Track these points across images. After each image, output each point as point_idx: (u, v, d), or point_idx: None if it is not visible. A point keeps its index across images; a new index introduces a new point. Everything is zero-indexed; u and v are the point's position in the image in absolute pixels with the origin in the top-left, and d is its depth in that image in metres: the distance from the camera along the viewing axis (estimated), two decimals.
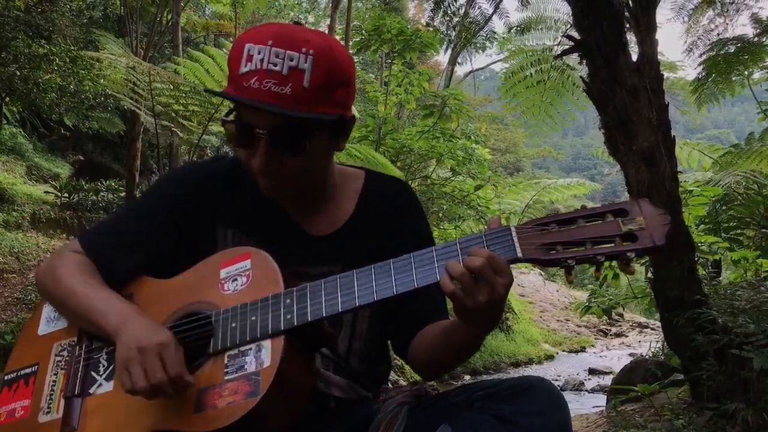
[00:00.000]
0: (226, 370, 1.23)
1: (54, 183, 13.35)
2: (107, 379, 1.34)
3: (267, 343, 1.23)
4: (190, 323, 1.32)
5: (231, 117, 1.37)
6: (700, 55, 8.78)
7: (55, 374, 1.39)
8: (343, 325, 1.48)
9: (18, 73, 9.19)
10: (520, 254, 1.14)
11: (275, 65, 1.26)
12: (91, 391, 1.34)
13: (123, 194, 12.21)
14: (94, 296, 1.39)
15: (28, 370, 1.43)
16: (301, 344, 1.27)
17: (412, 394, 1.45)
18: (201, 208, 1.49)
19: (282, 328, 1.23)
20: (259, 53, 1.27)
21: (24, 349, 1.48)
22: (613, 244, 1.13)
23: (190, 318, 1.33)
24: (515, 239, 1.16)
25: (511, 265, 1.18)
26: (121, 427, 1.26)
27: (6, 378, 1.44)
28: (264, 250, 1.36)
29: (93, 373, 1.36)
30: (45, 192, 12.45)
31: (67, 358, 1.40)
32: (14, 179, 12.39)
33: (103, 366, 1.36)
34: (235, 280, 1.33)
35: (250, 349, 1.24)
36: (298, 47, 1.27)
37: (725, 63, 8.47)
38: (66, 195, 12.33)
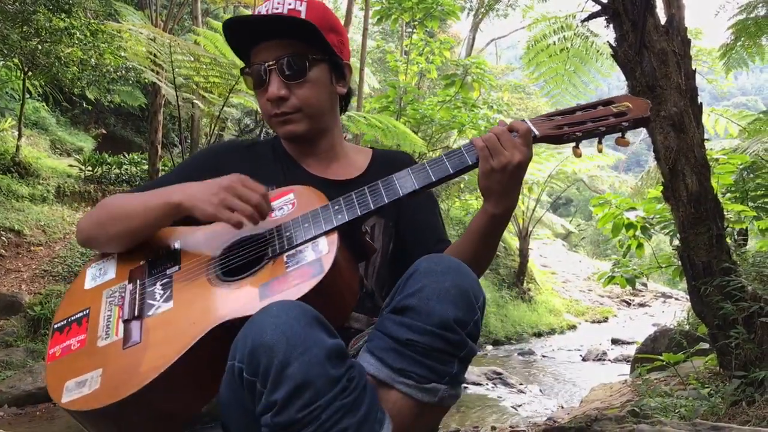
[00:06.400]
0: (287, 265, 1.33)
1: (78, 156, 13.46)
2: (166, 300, 1.39)
3: (322, 239, 1.36)
4: (246, 241, 1.44)
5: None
6: (729, 19, 8.53)
7: (109, 311, 1.43)
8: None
9: (40, 47, 9.22)
10: (537, 132, 1.41)
11: (277, 9, 1.59)
12: (149, 313, 1.38)
13: (145, 167, 12.27)
14: (143, 195, 1.53)
15: (78, 315, 1.47)
16: (349, 251, 1.39)
17: None
18: (225, 171, 1.57)
19: (335, 224, 1.37)
20: (264, 7, 1.61)
21: (71, 302, 1.52)
22: (609, 119, 1.41)
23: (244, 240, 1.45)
24: (530, 124, 1.42)
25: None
26: (187, 330, 1.29)
27: (56, 326, 1.47)
28: None
29: (150, 301, 1.40)
30: (69, 165, 12.55)
31: (120, 296, 1.45)
32: (39, 153, 12.52)
33: (160, 294, 1.41)
34: (282, 209, 1.47)
35: (307, 246, 1.36)
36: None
37: (755, 26, 8.24)
38: (90, 168, 12.42)
